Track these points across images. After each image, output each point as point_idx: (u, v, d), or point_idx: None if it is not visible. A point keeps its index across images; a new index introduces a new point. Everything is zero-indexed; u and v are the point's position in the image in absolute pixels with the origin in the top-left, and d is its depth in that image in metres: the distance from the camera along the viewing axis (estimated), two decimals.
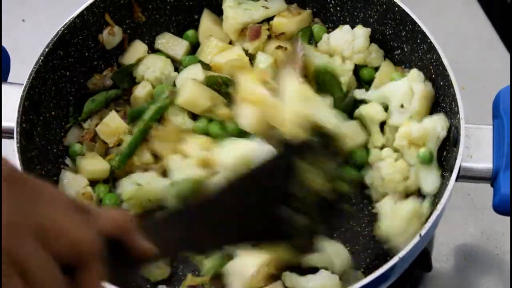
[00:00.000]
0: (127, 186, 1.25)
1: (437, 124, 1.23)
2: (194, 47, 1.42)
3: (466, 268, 1.36)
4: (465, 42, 1.60)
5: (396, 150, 1.27)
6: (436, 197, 1.20)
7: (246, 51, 1.36)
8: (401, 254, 1.09)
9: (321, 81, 1.30)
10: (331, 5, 1.39)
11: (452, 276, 1.36)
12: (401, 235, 1.19)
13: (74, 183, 1.27)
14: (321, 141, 0.96)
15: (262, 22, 1.38)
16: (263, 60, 1.34)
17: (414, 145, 1.25)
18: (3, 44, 1.27)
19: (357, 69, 1.36)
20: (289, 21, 1.37)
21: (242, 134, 1.27)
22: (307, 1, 1.40)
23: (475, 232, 1.39)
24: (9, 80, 1.28)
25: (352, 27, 1.36)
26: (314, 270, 1.21)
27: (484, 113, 1.24)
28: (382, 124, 1.31)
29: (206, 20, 1.40)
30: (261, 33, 1.35)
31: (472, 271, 1.36)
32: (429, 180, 1.24)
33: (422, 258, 1.23)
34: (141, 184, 1.24)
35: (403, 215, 1.19)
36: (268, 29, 1.37)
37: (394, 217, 1.20)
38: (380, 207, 1.24)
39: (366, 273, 1.20)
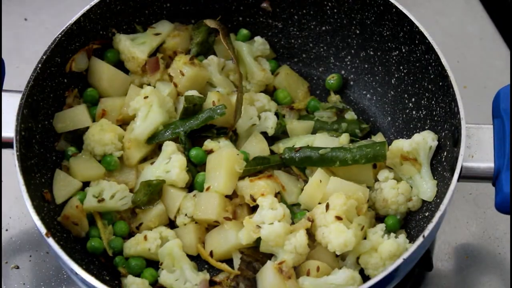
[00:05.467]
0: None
1: (427, 136, 1.25)
2: None
3: (468, 267, 1.36)
4: (467, 41, 1.60)
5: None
6: (439, 197, 1.21)
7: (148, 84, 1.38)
8: (405, 255, 1.09)
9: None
10: (328, 8, 1.39)
11: (454, 275, 1.36)
12: (377, 269, 1.21)
13: (67, 185, 1.28)
14: None
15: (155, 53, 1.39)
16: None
17: (407, 160, 1.27)
18: (4, 43, 1.25)
19: None
20: (181, 39, 1.40)
21: None
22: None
23: (476, 231, 1.39)
24: (12, 78, 1.29)
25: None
26: None
27: (487, 112, 1.24)
28: None
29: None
30: (159, 64, 1.37)
31: (474, 270, 1.36)
32: (426, 189, 1.25)
33: (423, 257, 1.23)
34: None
35: (384, 253, 1.20)
36: (162, 57, 1.38)
37: (376, 251, 1.21)
38: (371, 234, 1.24)
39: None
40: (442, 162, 1.24)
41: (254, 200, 1.25)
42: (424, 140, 1.25)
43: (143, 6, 1.38)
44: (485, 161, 1.18)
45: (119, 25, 1.37)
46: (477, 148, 1.19)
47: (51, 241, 1.10)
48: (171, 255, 1.23)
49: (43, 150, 1.27)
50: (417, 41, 1.28)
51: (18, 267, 1.35)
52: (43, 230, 1.12)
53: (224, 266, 1.25)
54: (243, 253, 1.25)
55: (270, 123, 1.34)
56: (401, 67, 1.35)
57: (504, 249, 1.37)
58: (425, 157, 1.26)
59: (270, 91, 1.42)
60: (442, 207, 1.13)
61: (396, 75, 1.37)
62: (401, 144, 1.26)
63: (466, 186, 1.38)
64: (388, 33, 1.34)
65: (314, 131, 1.37)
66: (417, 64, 1.30)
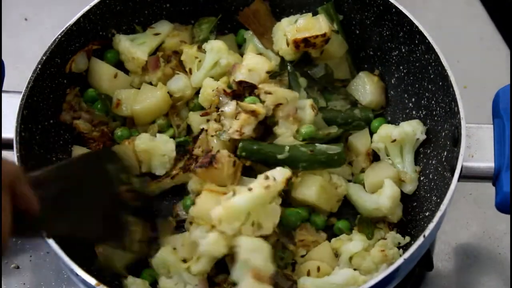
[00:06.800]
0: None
1: (417, 128, 1.27)
2: None
3: (468, 267, 1.36)
4: (467, 42, 1.60)
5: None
6: (439, 197, 1.21)
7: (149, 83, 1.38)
8: (405, 255, 1.09)
9: None
10: None
11: (454, 275, 1.36)
12: (370, 273, 1.21)
13: None
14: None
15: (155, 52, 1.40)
16: (177, 82, 1.36)
17: (393, 145, 1.28)
18: (4, 43, 1.25)
19: None
20: (181, 39, 1.40)
21: None
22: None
23: (477, 231, 1.39)
24: (12, 78, 1.28)
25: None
26: None
27: (487, 112, 1.24)
28: None
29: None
30: (159, 62, 1.37)
31: (474, 270, 1.36)
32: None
33: (423, 257, 1.23)
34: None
35: (374, 258, 1.21)
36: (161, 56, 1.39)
37: (367, 256, 1.22)
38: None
39: None
40: (442, 162, 1.24)
41: None
42: (413, 132, 1.26)
43: (142, 7, 1.38)
44: (485, 161, 1.18)
45: (119, 26, 1.37)
46: (477, 148, 1.19)
47: (51, 241, 1.10)
48: (165, 263, 1.22)
49: (43, 151, 1.27)
50: (417, 41, 1.28)
51: (18, 267, 1.35)
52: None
53: None
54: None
55: None
56: (401, 67, 1.35)
57: (504, 249, 1.37)
58: (410, 148, 1.28)
59: None
60: (442, 207, 1.13)
61: (396, 75, 1.37)
62: (390, 131, 1.27)
63: (466, 186, 1.38)
64: (388, 33, 1.34)
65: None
66: (417, 64, 1.30)
